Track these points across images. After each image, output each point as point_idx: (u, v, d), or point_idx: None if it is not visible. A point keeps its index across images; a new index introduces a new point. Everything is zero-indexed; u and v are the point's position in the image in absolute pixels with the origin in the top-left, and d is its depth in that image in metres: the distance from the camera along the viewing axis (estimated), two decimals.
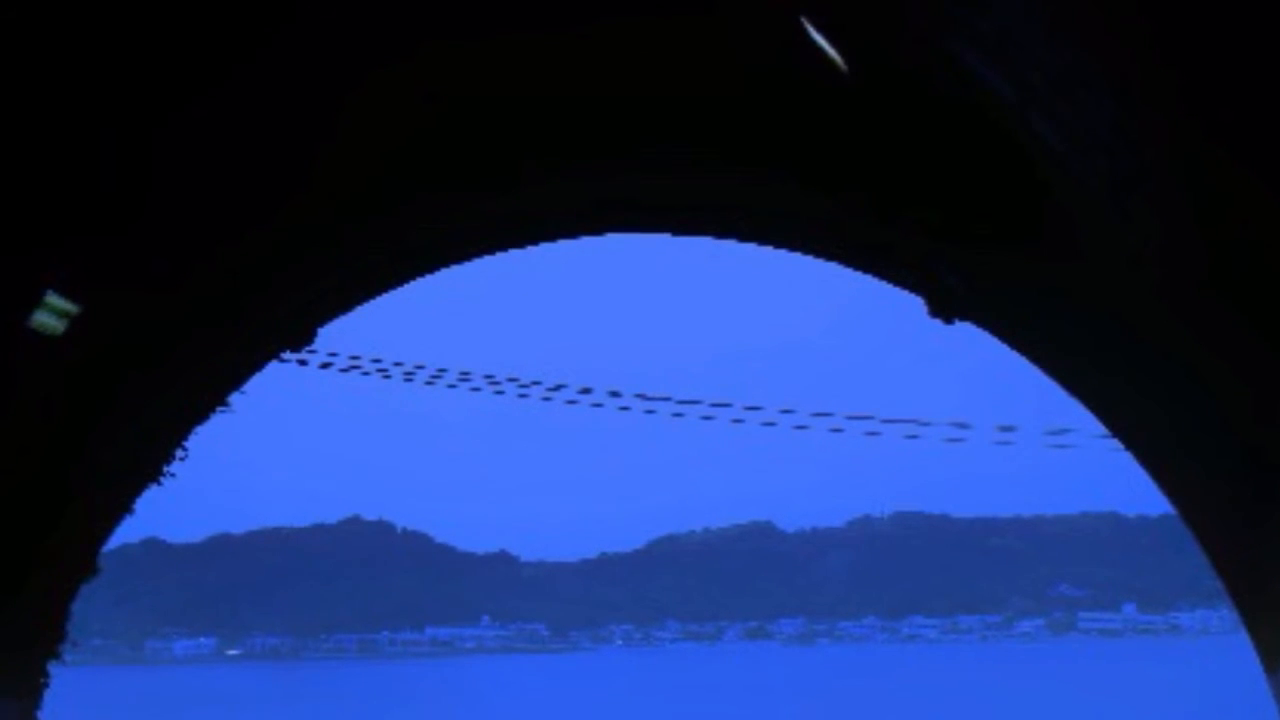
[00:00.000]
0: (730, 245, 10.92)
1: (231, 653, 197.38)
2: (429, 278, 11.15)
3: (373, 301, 11.06)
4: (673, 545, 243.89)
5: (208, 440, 11.12)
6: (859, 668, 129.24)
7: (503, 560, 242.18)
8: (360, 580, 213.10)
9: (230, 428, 11.49)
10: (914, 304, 10.44)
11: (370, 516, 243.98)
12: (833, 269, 10.82)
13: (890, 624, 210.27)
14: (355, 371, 13.82)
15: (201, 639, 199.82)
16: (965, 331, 10.48)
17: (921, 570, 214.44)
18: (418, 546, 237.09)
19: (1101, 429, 10.21)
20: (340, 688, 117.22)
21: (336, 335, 11.84)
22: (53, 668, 10.72)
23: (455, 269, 11.15)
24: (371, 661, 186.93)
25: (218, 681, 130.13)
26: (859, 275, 10.67)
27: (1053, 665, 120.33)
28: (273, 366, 11.21)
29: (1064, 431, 15.70)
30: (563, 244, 11.08)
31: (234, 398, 10.95)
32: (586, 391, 15.89)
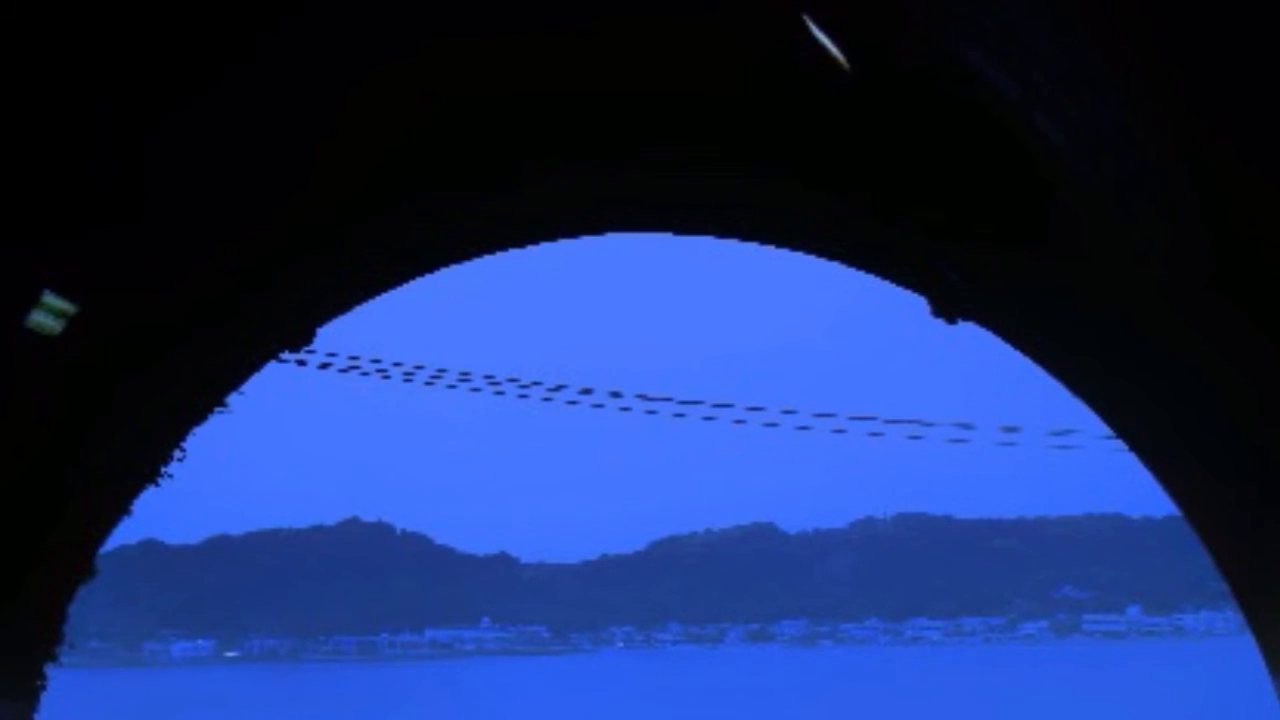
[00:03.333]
0: (732, 245, 10.88)
1: (230, 655, 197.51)
2: (429, 277, 11.11)
3: (373, 301, 11.02)
4: (673, 547, 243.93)
5: (206, 441, 11.08)
6: (862, 670, 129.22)
7: (502, 562, 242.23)
8: (359, 582, 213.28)
9: (229, 429, 11.45)
10: (917, 304, 10.39)
11: (369, 518, 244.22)
12: (835, 269, 10.78)
13: (893, 626, 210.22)
14: (354, 372, 13.78)
15: (199, 641, 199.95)
16: (968, 331, 10.43)
17: (924, 572, 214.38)
18: (417, 548, 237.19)
19: (1106, 430, 10.15)
20: (339, 690, 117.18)
21: (336, 335, 11.81)
22: (50, 670, 10.67)
23: (455, 269, 11.12)
24: (371, 664, 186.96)
25: (216, 684, 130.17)
26: (861, 275, 10.62)
27: (1056, 667, 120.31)
28: (271, 367, 11.17)
29: (1068, 432, 15.65)
30: (563, 244, 11.04)
31: (232, 398, 10.90)
32: (587, 392, 15.85)
